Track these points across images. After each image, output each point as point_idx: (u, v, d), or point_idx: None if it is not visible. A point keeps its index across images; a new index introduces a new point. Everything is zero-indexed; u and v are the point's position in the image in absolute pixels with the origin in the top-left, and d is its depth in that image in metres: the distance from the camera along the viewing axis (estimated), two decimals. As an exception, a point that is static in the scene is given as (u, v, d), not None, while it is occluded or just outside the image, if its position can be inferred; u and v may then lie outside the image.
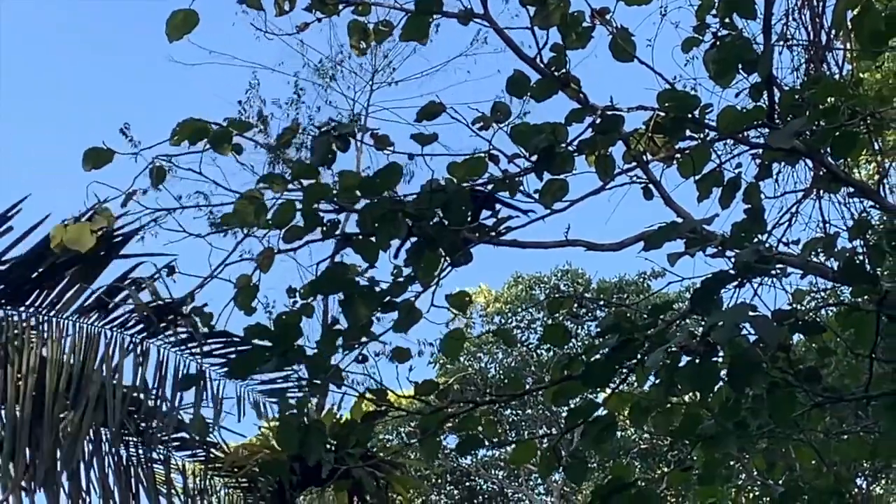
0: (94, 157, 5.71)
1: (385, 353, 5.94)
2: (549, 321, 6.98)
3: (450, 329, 6.02)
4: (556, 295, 28.75)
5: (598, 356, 5.29)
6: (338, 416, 11.23)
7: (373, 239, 5.59)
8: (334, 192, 5.65)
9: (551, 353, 26.87)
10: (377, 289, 5.56)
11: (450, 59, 25.35)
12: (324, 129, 5.81)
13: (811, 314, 5.79)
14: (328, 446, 9.80)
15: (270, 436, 10.53)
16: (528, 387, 7.12)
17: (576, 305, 6.83)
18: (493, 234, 5.87)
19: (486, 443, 6.23)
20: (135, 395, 9.41)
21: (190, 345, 9.44)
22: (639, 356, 5.22)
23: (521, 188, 5.86)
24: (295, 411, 5.70)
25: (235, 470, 10.50)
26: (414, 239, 5.61)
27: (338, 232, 5.68)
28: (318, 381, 5.65)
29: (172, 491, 9.94)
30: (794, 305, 5.73)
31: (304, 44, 25.42)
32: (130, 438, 9.53)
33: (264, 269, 5.71)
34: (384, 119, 25.97)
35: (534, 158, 5.70)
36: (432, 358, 29.54)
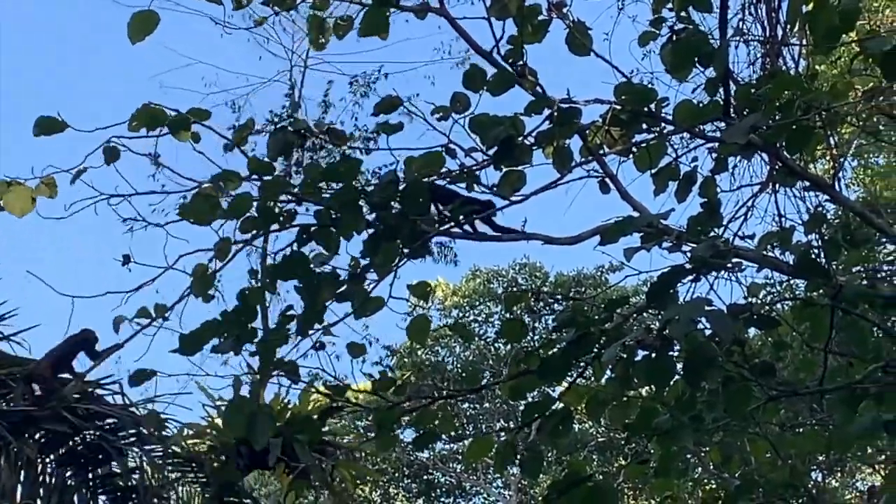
0: (46, 125, 5.68)
1: (335, 350, 5.91)
2: (507, 315, 6.99)
3: (415, 316, 6.00)
4: (514, 289, 28.77)
5: (554, 350, 5.29)
6: (284, 402, 11.22)
7: (333, 229, 5.58)
8: (293, 187, 5.64)
9: (509, 346, 26.89)
10: (336, 279, 5.55)
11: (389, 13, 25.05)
12: (280, 125, 5.80)
13: (766, 308, 5.81)
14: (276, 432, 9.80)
15: (219, 420, 10.51)
16: (485, 381, 7.10)
17: (533, 300, 6.84)
18: (454, 225, 5.87)
19: (443, 437, 6.22)
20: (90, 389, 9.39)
21: None
22: (595, 350, 5.23)
23: (479, 181, 5.86)
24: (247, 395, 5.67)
25: (193, 466, 10.46)
26: (371, 231, 5.61)
27: (295, 223, 5.67)
28: (268, 367, 5.63)
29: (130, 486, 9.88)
30: (750, 299, 5.73)
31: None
32: (88, 433, 9.47)
33: (221, 258, 5.69)
34: (324, 70, 25.84)
35: (492, 151, 5.70)
36: (388, 351, 29.55)
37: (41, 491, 9.62)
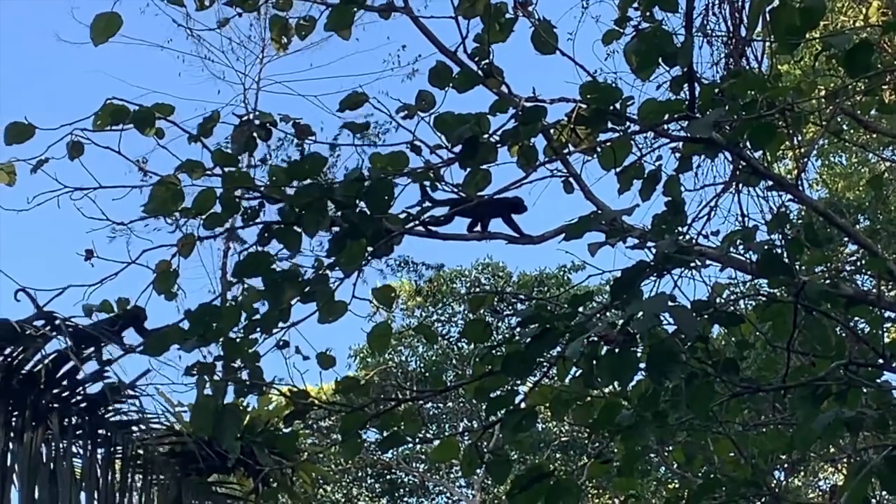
0: (16, 133, 5.65)
1: (297, 352, 5.89)
2: (471, 316, 6.99)
3: (375, 323, 5.99)
4: (477, 290, 28.77)
5: (518, 346, 5.30)
6: (243, 405, 11.17)
7: (296, 228, 5.56)
8: (254, 180, 5.63)
9: (472, 346, 26.90)
10: (299, 278, 5.53)
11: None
12: (244, 119, 5.79)
13: (730, 305, 5.83)
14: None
15: (176, 422, 10.45)
16: (449, 380, 7.12)
17: (496, 301, 6.85)
18: (418, 224, 5.87)
19: (408, 440, 6.21)
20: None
21: None
22: (559, 346, 5.23)
23: (443, 179, 5.86)
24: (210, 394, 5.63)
25: (150, 467, 10.41)
26: (336, 229, 5.59)
27: (259, 219, 5.66)
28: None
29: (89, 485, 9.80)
30: (713, 297, 5.76)
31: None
32: (49, 432, 9.39)
33: (184, 254, 5.67)
34: (276, 92, 25.97)
35: (457, 149, 5.70)
36: (351, 352, 29.50)
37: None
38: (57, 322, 9.12)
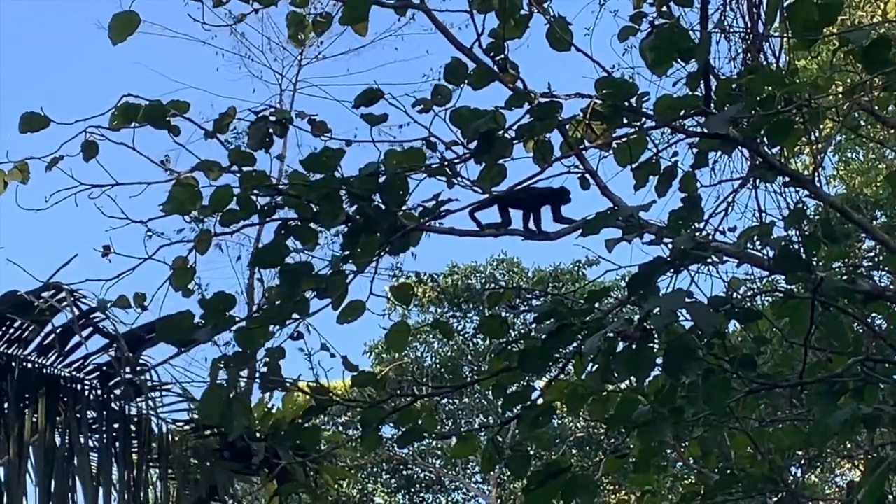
0: (30, 122, 5.65)
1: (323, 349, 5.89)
2: (487, 311, 6.98)
3: (393, 322, 5.99)
4: (493, 285, 28.76)
5: (535, 342, 5.30)
6: (269, 406, 11.17)
7: (312, 225, 5.57)
8: (271, 177, 5.63)
9: (488, 342, 26.89)
10: (314, 272, 5.54)
11: (377, 36, 25.13)
12: (260, 115, 5.78)
13: (747, 301, 5.82)
14: (260, 436, 9.76)
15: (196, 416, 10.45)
16: (465, 376, 7.12)
17: (516, 298, 6.85)
18: (433, 218, 5.87)
19: (426, 436, 6.22)
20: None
21: None
22: (576, 342, 5.23)
23: (460, 175, 5.86)
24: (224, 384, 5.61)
25: (169, 458, 10.40)
26: (351, 224, 5.60)
27: (276, 216, 5.66)
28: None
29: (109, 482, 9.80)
30: (730, 293, 5.75)
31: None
32: (58, 427, 9.38)
33: (201, 251, 5.67)
34: (312, 95, 26.00)
35: (472, 144, 5.69)
36: (367, 347, 29.53)
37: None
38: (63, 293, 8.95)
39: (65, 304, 8.89)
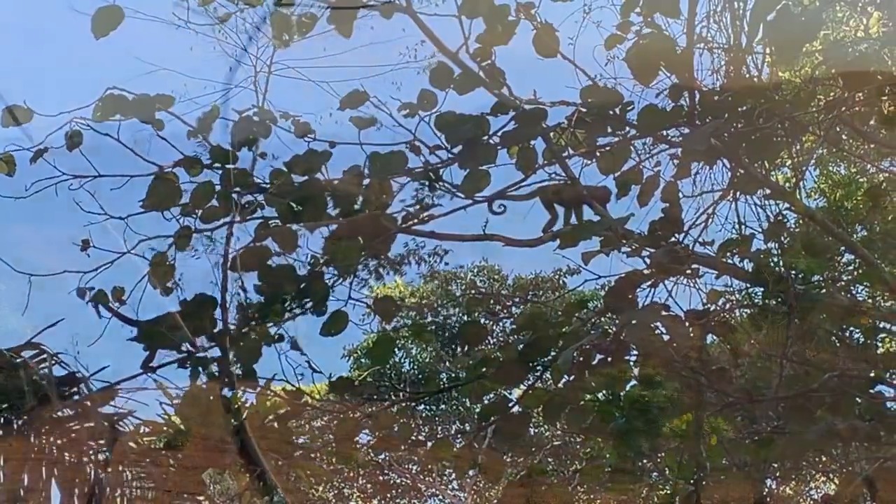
0: (15, 115, 5.63)
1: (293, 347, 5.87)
2: (466, 318, 6.99)
3: (375, 334, 5.98)
4: (472, 292, 28.72)
5: (512, 353, 5.30)
6: (242, 402, 11.13)
7: (292, 227, 5.56)
8: (252, 176, 5.63)
9: (465, 348, 26.83)
10: (294, 273, 5.53)
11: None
12: (244, 114, 5.78)
13: (724, 315, 5.82)
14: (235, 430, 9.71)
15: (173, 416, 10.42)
16: (443, 383, 7.11)
17: (492, 303, 6.84)
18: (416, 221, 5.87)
19: (402, 443, 6.21)
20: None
21: None
22: (552, 353, 5.23)
23: (442, 179, 5.85)
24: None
25: (145, 461, 10.36)
26: (334, 226, 5.59)
27: (256, 214, 5.65)
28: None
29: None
30: (708, 306, 5.75)
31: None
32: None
33: (180, 247, 5.65)
34: (287, 77, 25.94)
35: (457, 149, 5.69)
36: (345, 351, 29.42)
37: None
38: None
39: (43, 366, 8.92)
